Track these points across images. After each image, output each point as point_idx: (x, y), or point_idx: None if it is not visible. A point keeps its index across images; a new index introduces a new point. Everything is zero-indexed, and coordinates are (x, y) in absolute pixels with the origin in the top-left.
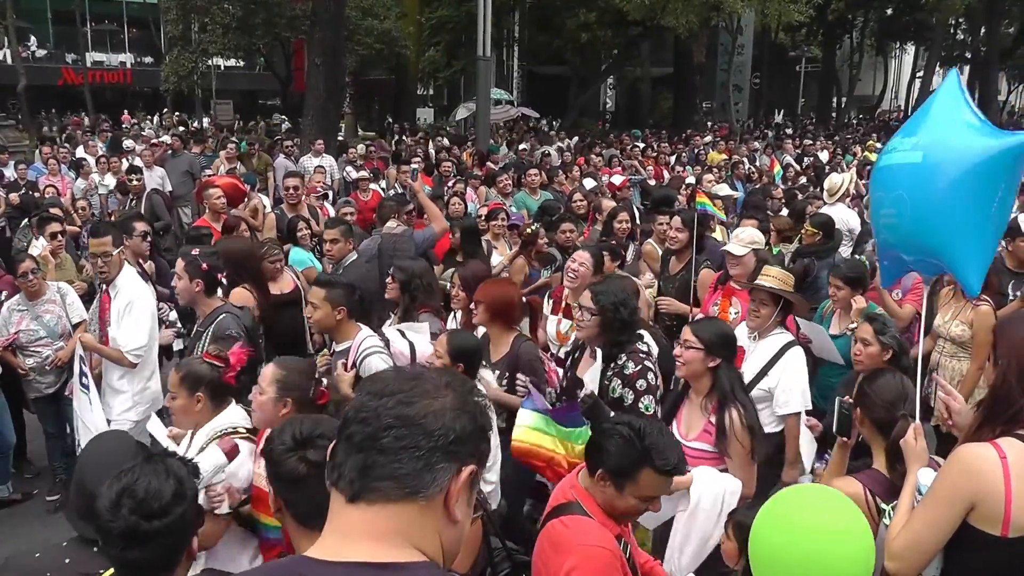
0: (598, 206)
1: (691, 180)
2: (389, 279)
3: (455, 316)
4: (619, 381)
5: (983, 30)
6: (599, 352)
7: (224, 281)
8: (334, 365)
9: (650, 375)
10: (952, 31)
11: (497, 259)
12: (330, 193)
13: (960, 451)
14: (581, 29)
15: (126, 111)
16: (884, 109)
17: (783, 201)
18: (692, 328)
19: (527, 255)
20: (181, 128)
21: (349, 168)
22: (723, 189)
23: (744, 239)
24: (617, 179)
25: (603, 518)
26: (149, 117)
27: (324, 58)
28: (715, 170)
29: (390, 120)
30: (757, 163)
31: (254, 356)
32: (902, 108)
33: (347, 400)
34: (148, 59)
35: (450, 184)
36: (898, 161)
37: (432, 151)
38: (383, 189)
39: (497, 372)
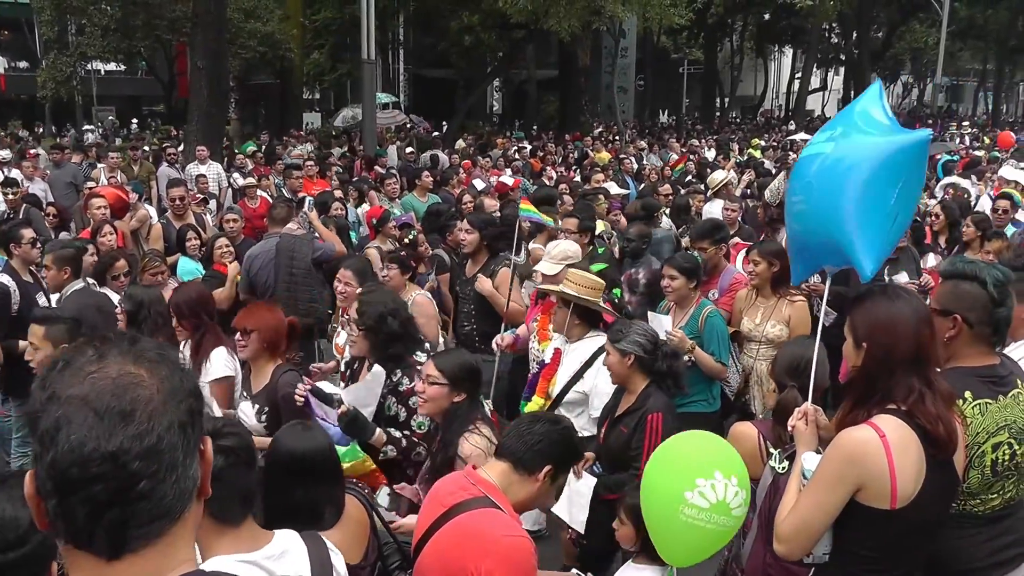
0: (480, 206)
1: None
2: (118, 309)
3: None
4: (393, 398)
5: (855, 34)
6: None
7: None
8: None
9: None
10: (827, 35)
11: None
12: (213, 201)
13: (841, 438)
14: (465, 32)
15: None
16: (766, 108)
17: (669, 197)
18: (435, 361)
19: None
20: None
21: (236, 175)
22: (612, 187)
23: (556, 256)
24: (508, 180)
25: (511, 511)
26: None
27: (207, 61)
28: (599, 168)
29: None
30: (644, 162)
31: None
32: (783, 107)
33: None
34: (23, 64)
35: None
36: (812, 152)
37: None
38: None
39: (257, 406)
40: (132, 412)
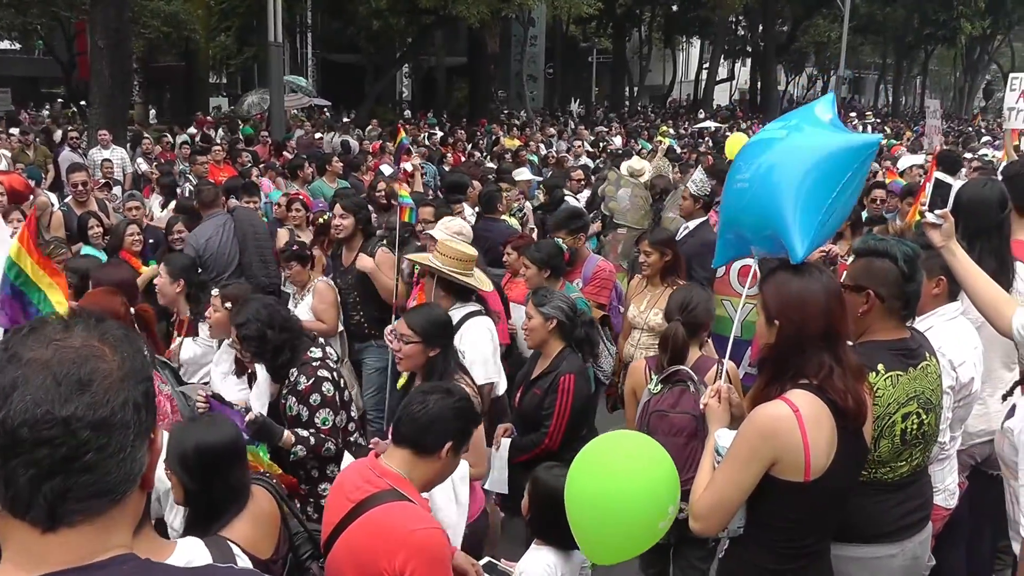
0: (392, 192)
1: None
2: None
3: None
4: (293, 398)
5: (760, 27)
6: (261, 369)
7: None
8: None
9: (326, 385)
10: (733, 28)
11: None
12: (118, 187)
13: (756, 414)
14: (373, 16)
15: None
16: (674, 98)
17: (583, 183)
18: (406, 319)
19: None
20: None
21: (140, 160)
22: (523, 174)
23: (451, 228)
24: (409, 166)
25: (419, 499)
26: None
27: (108, 40)
28: (506, 156)
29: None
30: (553, 148)
31: None
32: (690, 97)
33: None
34: None
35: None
36: (765, 137)
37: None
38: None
39: None
40: (90, 382)
